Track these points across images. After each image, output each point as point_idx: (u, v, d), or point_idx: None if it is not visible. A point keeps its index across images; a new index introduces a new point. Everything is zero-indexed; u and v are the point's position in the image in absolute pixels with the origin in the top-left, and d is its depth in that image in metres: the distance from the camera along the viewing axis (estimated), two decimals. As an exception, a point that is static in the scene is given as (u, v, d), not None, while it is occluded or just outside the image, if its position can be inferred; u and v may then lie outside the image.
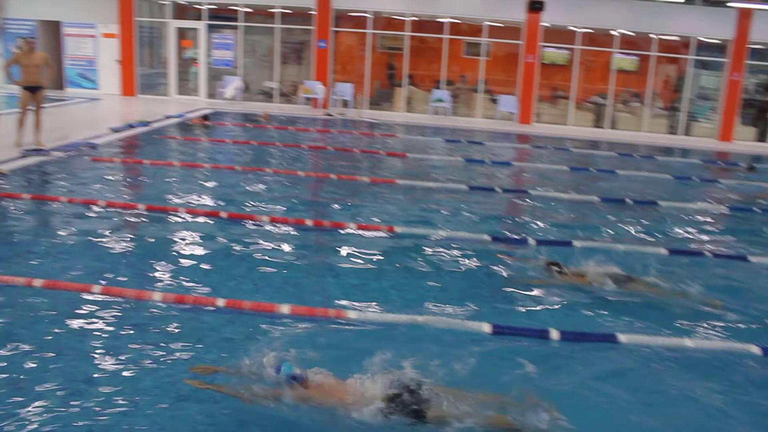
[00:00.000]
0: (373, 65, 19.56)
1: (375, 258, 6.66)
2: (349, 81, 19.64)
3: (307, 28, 19.50)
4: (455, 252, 6.90)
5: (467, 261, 6.70)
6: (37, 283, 5.41)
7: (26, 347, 4.40)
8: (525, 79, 18.77)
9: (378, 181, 10.00)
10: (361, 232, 7.38)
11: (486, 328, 4.96)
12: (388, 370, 3.91)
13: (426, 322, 5.01)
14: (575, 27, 18.60)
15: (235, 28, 19.93)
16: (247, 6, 19.60)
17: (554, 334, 4.92)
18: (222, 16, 20.16)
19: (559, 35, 18.92)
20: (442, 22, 19.00)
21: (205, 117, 15.51)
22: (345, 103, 19.25)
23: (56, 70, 11.78)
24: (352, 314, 5.07)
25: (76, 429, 3.59)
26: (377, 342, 4.64)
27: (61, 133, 12.25)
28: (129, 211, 7.90)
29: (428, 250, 6.93)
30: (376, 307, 5.33)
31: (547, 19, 18.38)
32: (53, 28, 20.52)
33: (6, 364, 4.18)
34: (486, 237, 7.32)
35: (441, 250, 6.95)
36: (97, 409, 3.76)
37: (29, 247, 6.56)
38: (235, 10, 19.70)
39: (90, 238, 6.81)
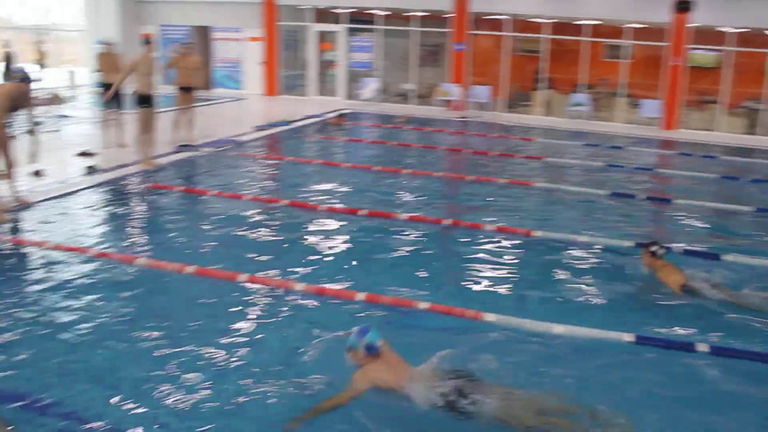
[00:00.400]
0: (510, 68, 19.32)
1: (511, 261, 6.57)
2: (486, 84, 19.48)
3: (444, 31, 19.54)
4: (594, 258, 6.69)
5: (607, 268, 6.47)
6: (189, 269, 5.75)
7: (173, 328, 4.69)
8: (670, 83, 17.90)
9: (515, 183, 9.85)
10: (498, 234, 7.30)
11: (628, 338, 4.75)
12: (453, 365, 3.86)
13: (565, 332, 4.83)
14: (726, 27, 17.51)
15: (373, 31, 20.28)
16: (385, 9, 19.90)
17: (702, 347, 4.64)
18: (360, 19, 20.58)
19: (708, 36, 17.89)
20: (581, 24, 18.47)
21: (341, 116, 15.86)
22: (481, 106, 19.12)
23: (206, 72, 12.48)
24: (490, 317, 5.00)
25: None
26: (513, 347, 4.59)
27: (209, 131, 12.94)
28: (272, 206, 8.22)
29: (566, 255, 6.75)
30: (513, 311, 5.23)
31: (694, 20, 17.44)
32: (203, 33, 21.72)
33: (156, 343, 4.46)
34: (627, 244, 7.02)
35: (579, 255, 6.75)
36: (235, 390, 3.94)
37: (180, 236, 6.98)
38: (374, 14, 20.05)
39: (235, 229, 7.14)
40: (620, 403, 3.92)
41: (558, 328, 4.84)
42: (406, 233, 7.24)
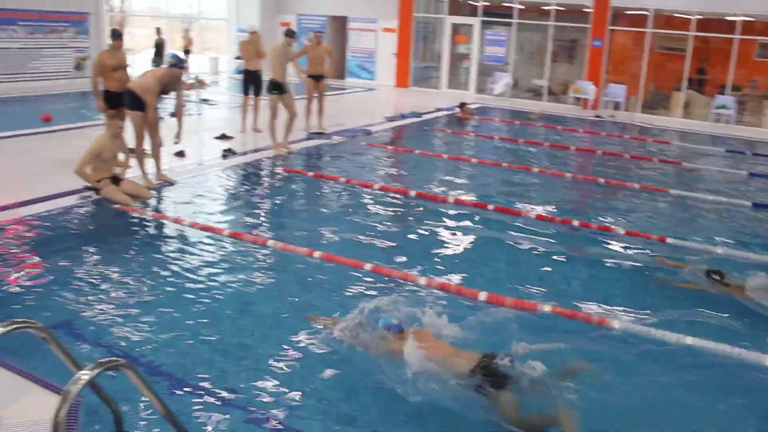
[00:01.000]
0: (649, 66, 18.55)
1: (642, 269, 6.37)
2: (622, 82, 18.81)
3: (582, 26, 19.03)
4: (731, 271, 6.37)
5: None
6: (317, 254, 5.96)
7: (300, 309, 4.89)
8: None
9: (649, 189, 9.50)
10: (628, 238, 7.10)
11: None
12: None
13: (695, 344, 4.63)
14: None
15: (508, 24, 20.05)
16: (521, 3, 19.62)
17: None
18: (496, 12, 20.39)
19: None
20: (731, 21, 17.44)
21: (464, 105, 15.77)
22: (616, 105, 18.50)
23: (336, 61, 12.79)
24: (615, 323, 4.90)
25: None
26: (641, 359, 4.47)
27: (340, 119, 13.28)
28: (400, 196, 8.36)
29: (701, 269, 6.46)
30: (639, 320, 5.08)
31: None
32: (340, 23, 22.24)
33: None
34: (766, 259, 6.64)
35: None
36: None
37: (309, 220, 7.25)
38: (510, 7, 19.80)
39: (363, 217, 7.33)
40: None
41: (688, 340, 4.67)
42: (533, 232, 7.18)
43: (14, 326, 2.85)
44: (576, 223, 7.50)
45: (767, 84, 17.56)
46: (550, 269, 6.16)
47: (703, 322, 5.14)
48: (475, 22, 20.42)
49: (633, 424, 3.85)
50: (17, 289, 5.08)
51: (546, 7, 19.28)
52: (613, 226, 7.43)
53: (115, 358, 2.59)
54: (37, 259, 5.61)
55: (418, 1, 20.99)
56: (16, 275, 5.27)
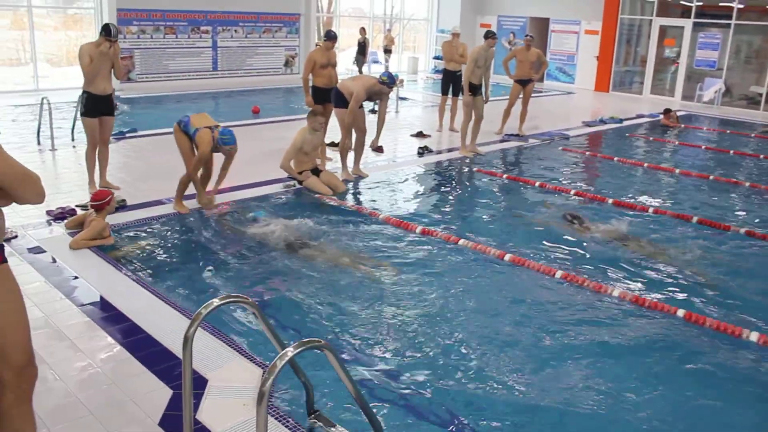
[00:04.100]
0: None
1: None
2: None
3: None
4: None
5: None
6: (507, 257, 5.95)
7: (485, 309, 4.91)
8: None
9: None
10: None
11: None
12: None
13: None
14: None
15: (724, 26, 18.66)
16: (741, 2, 18.17)
17: None
18: (710, 13, 19.07)
19: None
20: None
21: (669, 112, 14.91)
22: None
23: (547, 65, 12.61)
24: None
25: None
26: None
27: (536, 122, 13.11)
28: (595, 203, 8.10)
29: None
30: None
31: None
32: (542, 25, 21.91)
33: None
34: None
35: None
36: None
37: (498, 221, 7.24)
38: (728, 7, 18.42)
39: (554, 222, 7.18)
40: None
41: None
42: (742, 248, 6.68)
43: (230, 300, 3.12)
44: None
45: None
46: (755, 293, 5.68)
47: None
48: (687, 23, 19.22)
49: None
50: (231, 261, 5.61)
51: (771, 7, 17.74)
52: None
53: (317, 339, 2.76)
54: (237, 245, 6.10)
55: (624, 1, 20.16)
56: (223, 252, 5.82)
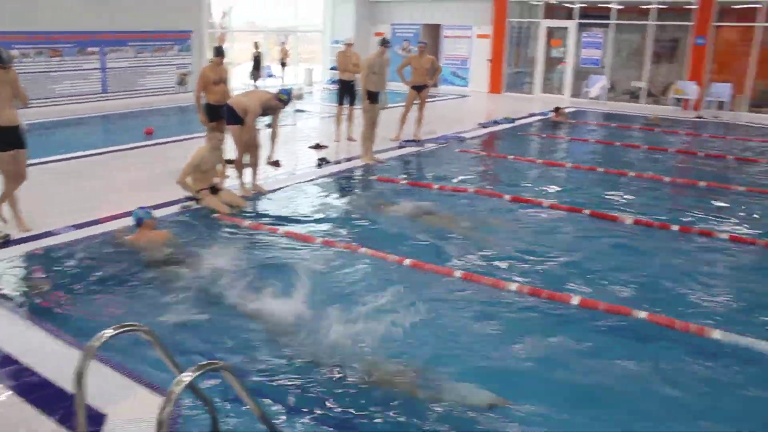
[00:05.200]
0: (757, 63, 17.67)
1: (746, 274, 6.13)
2: (727, 81, 18.01)
3: (685, 24, 18.37)
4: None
5: None
6: (407, 262, 6.00)
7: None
8: None
9: (756, 191, 9.10)
10: (731, 244, 6.84)
11: None
12: None
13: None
14: None
15: (605, 26, 19.59)
16: (620, 3, 19.13)
17: None
18: (593, 14, 19.97)
19: None
20: None
21: (559, 109, 15.57)
22: (720, 105, 17.74)
23: (440, 71, 12.87)
24: (716, 334, 4.73)
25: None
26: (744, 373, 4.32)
27: (432, 127, 13.35)
28: (495, 200, 8.35)
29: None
30: (747, 330, 4.87)
31: None
32: (434, 31, 22.35)
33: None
34: None
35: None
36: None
37: (399, 228, 7.29)
38: (608, 8, 19.35)
39: (465, 223, 7.33)
40: None
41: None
42: (629, 237, 7.03)
43: (123, 329, 3.03)
44: (674, 228, 7.28)
45: None
46: (643, 276, 5.99)
47: None
48: (571, 24, 20.06)
49: None
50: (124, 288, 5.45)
51: (646, 6, 18.73)
52: (713, 231, 7.16)
53: (215, 361, 2.73)
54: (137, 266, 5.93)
55: (512, 6, 20.84)
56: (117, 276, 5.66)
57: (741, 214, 8.13)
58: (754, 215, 8.08)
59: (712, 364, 4.39)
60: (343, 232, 7.13)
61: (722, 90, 17.82)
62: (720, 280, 5.94)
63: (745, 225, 7.59)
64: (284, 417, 3.70)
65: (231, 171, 9.03)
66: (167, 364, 3.21)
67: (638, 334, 4.79)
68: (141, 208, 6.56)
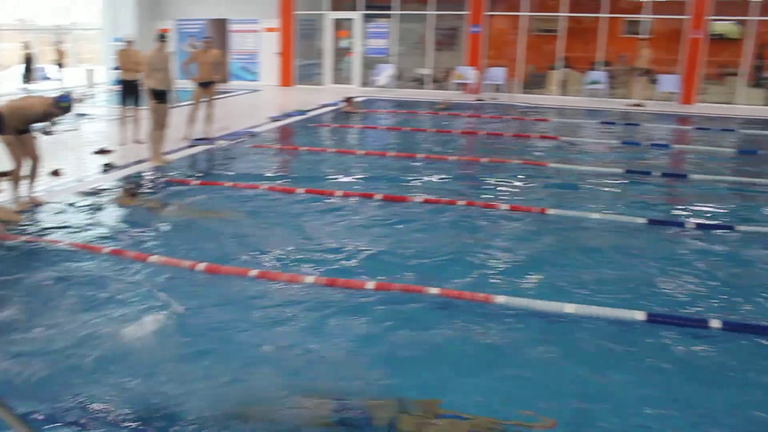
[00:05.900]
0: (526, 48, 19.21)
1: (526, 240, 6.60)
2: (502, 65, 19.40)
3: (461, 14, 19.48)
4: (608, 235, 6.71)
5: (620, 245, 6.48)
6: (201, 266, 5.71)
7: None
8: (689, 57, 17.67)
9: (529, 164, 9.87)
10: (512, 213, 7.35)
11: (639, 316, 4.74)
12: None
13: (577, 311, 4.81)
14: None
15: (389, 16, 20.26)
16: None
17: (714, 323, 4.65)
18: (377, 5, 20.56)
19: (731, 7, 17.64)
20: (599, 1, 18.28)
21: (350, 99, 15.92)
22: (497, 88, 19.05)
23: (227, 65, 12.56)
24: (500, 299, 5.02)
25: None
26: (528, 331, 4.64)
27: (224, 123, 13.02)
28: (288, 195, 8.29)
29: (580, 234, 6.78)
30: (525, 292, 5.25)
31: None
32: (220, 26, 21.87)
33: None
34: (641, 221, 7.06)
35: (594, 233, 6.79)
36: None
37: (197, 232, 7.03)
38: (390, -1, 20.05)
39: (256, 220, 7.20)
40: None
41: (569, 308, 4.85)
42: (421, 215, 7.31)
43: None
44: (461, 202, 7.68)
45: (634, 59, 18.49)
46: (436, 251, 6.25)
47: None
48: (356, 16, 20.52)
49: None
50: None
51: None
52: (496, 203, 7.66)
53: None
54: None
55: (298, -2, 20.93)
56: None
57: (518, 184, 8.78)
58: (530, 185, 8.75)
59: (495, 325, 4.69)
60: (130, 240, 6.71)
61: (498, 74, 19.16)
62: (502, 249, 6.33)
63: (521, 196, 8.20)
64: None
65: (4, 184, 8.22)
66: None
67: (435, 306, 5.00)
68: None
